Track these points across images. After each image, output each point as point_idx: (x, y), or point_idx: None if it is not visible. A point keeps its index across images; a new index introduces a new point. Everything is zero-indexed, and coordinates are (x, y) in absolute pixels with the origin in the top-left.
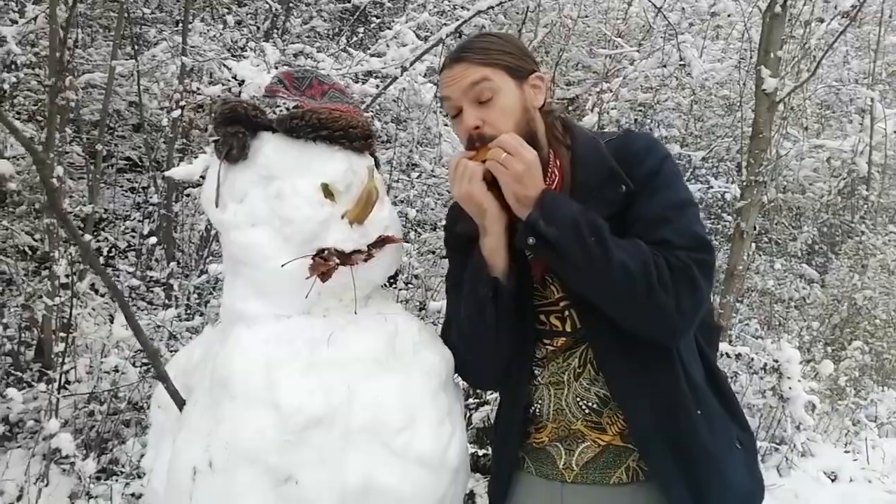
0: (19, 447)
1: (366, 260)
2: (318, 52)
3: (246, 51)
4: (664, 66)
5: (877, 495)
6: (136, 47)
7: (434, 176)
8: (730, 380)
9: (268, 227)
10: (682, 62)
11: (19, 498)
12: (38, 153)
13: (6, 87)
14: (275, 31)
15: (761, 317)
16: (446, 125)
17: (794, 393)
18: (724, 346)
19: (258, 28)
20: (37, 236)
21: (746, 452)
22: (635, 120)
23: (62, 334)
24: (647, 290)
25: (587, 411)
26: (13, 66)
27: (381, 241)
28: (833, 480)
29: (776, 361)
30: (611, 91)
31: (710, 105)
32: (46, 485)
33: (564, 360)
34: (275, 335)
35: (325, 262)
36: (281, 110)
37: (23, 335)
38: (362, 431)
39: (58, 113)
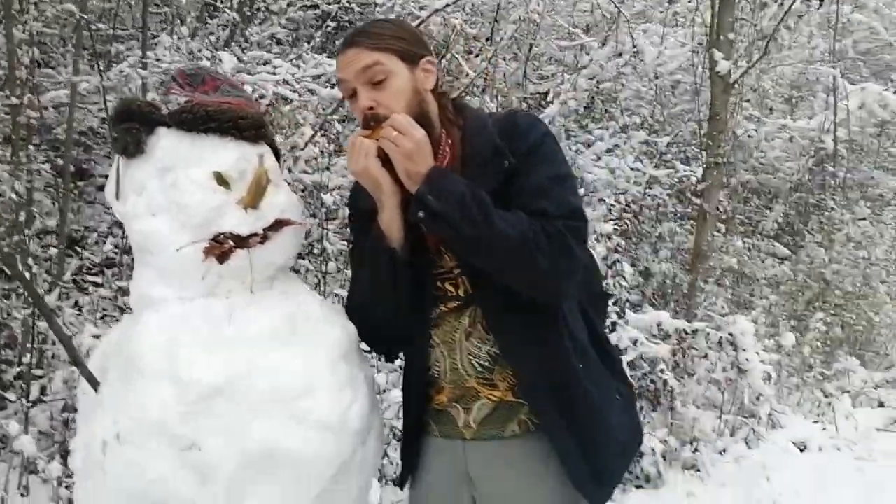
0: (2, 461)
1: (262, 242)
2: (275, 58)
3: (202, 60)
4: (619, 54)
5: (846, 462)
6: (100, 64)
7: None
8: (701, 357)
9: (166, 216)
10: (635, 49)
11: None
12: None
13: None
14: (233, 40)
15: (730, 296)
16: None
17: (750, 365)
18: (681, 323)
19: (217, 38)
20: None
21: (626, 402)
22: (590, 109)
23: (32, 346)
24: (527, 257)
25: (479, 369)
26: None
27: (278, 224)
28: (802, 451)
29: (731, 335)
30: (569, 82)
31: (674, 91)
32: (26, 494)
33: (456, 319)
34: (178, 316)
35: (219, 246)
36: (173, 106)
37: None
38: (263, 401)
39: (24, 131)
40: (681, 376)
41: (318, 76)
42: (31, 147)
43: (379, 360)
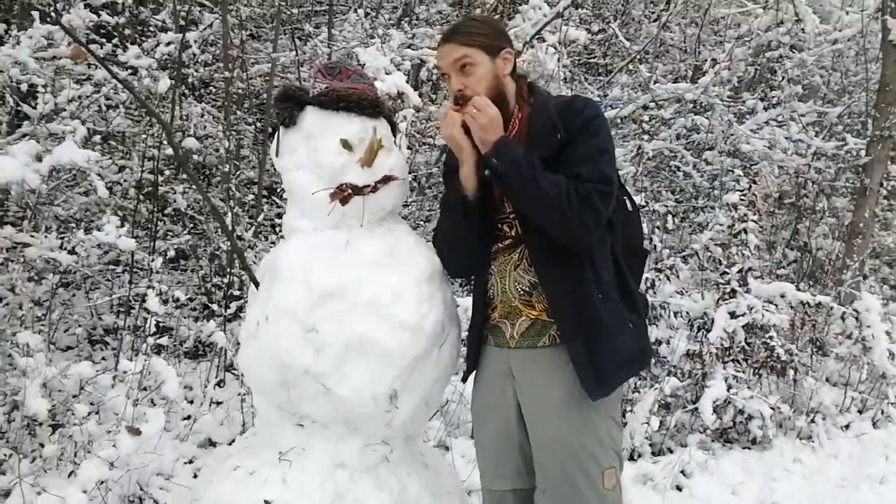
0: (209, 361)
1: (373, 191)
2: (438, 34)
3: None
4: (780, 23)
5: None
6: (296, 41)
7: None
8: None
9: (308, 170)
10: (797, 18)
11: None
12: (161, 119)
13: (195, 81)
14: (405, 18)
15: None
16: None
17: (874, 342)
18: (805, 296)
19: (389, 18)
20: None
21: (637, 331)
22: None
23: (231, 273)
24: (559, 209)
25: (522, 293)
26: (197, 64)
27: (385, 179)
28: None
29: (855, 311)
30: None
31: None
32: (223, 386)
33: (508, 254)
34: (310, 240)
35: (341, 192)
36: (316, 90)
37: (215, 279)
38: (363, 304)
39: (233, 99)
40: (804, 349)
41: None
42: (238, 112)
43: (460, 285)
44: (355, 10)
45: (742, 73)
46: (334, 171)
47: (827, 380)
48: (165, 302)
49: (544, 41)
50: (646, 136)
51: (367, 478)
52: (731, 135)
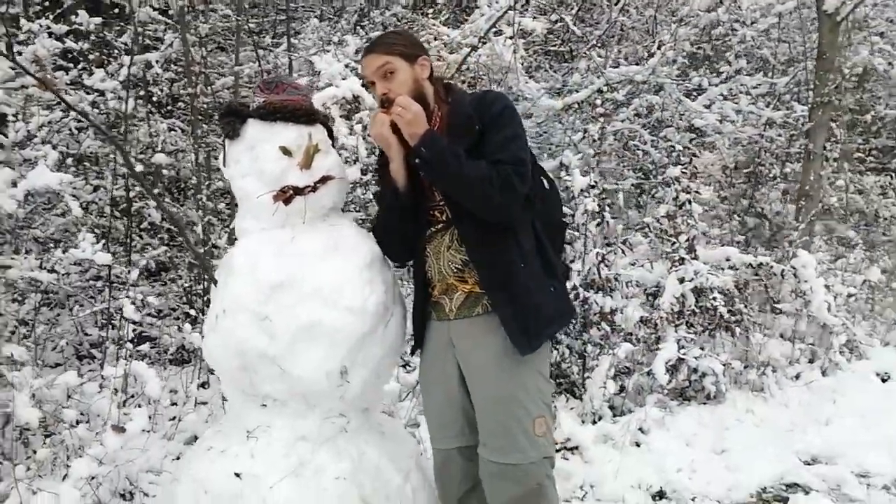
0: (193, 365)
1: (313, 191)
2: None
3: (330, 45)
4: (720, 2)
5: None
6: (257, 52)
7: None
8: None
9: (252, 177)
10: None
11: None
12: (116, 142)
13: (161, 99)
14: (360, 25)
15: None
16: (527, 83)
17: (812, 296)
18: (748, 258)
19: (348, 22)
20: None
21: (557, 293)
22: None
23: (205, 279)
24: (483, 191)
25: (455, 270)
26: (161, 82)
27: (324, 179)
28: (885, 381)
29: (793, 268)
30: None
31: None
32: (207, 387)
33: (441, 236)
34: (258, 239)
35: (284, 194)
36: (255, 104)
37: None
38: (308, 292)
39: (199, 113)
40: (757, 307)
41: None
42: (205, 125)
43: (399, 268)
44: (318, 17)
45: (686, 52)
46: (276, 176)
47: (782, 335)
48: (140, 309)
49: (502, 34)
50: (601, 119)
51: (326, 448)
52: (686, 111)
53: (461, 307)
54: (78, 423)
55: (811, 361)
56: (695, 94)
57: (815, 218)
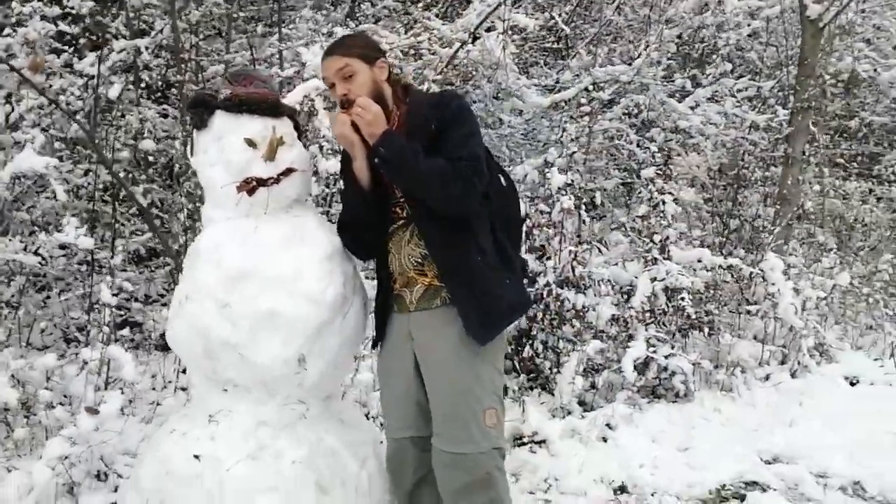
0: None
1: (276, 182)
2: (382, 28)
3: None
4: (705, 5)
5: (892, 393)
6: (249, 41)
7: (511, 127)
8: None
9: (219, 166)
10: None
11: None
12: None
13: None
14: (350, 16)
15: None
16: (518, 79)
17: (780, 298)
18: (719, 259)
19: (339, 12)
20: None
21: (513, 285)
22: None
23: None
24: (441, 186)
25: (415, 264)
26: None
27: (287, 171)
28: (854, 385)
29: (761, 270)
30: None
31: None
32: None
33: (402, 232)
34: (223, 228)
35: (247, 185)
36: (223, 96)
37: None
38: (270, 280)
39: (187, 99)
40: (730, 309)
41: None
42: None
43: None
44: (312, 8)
45: (672, 54)
46: (241, 167)
47: (755, 337)
48: (116, 294)
49: (494, 29)
50: (585, 118)
51: (286, 433)
52: (673, 111)
53: (420, 299)
54: (60, 404)
55: (782, 363)
56: (680, 95)
57: (791, 222)
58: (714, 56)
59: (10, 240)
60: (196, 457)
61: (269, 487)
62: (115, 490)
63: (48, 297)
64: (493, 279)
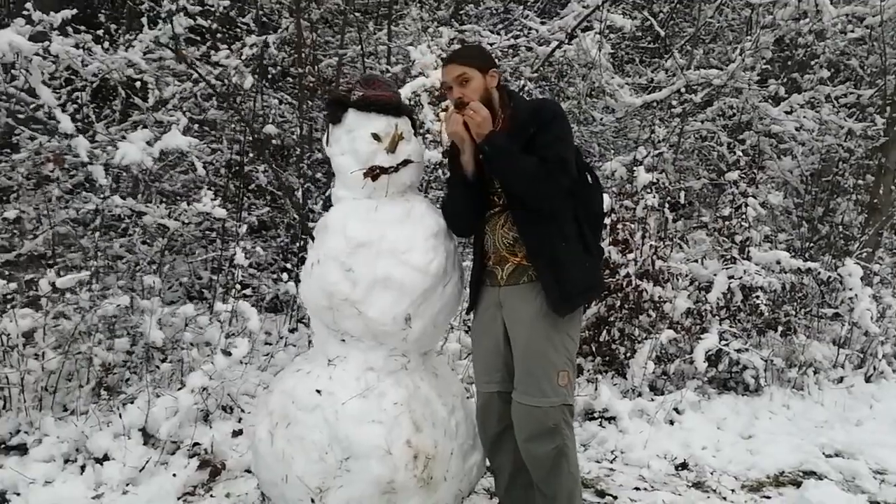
0: (284, 314)
1: (396, 171)
2: (483, 29)
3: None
4: (804, 13)
5: None
6: (360, 36)
7: (603, 124)
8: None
9: (349, 155)
10: (817, 8)
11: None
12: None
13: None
14: (453, 17)
15: None
16: (612, 78)
17: (856, 303)
18: (797, 262)
19: (445, 11)
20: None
21: (591, 270)
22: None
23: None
24: (533, 183)
25: (507, 245)
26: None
27: (405, 162)
28: None
29: (839, 275)
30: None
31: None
32: (296, 332)
33: (498, 217)
34: (349, 206)
35: (372, 171)
36: (355, 97)
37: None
38: (385, 251)
39: (307, 90)
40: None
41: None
42: (311, 101)
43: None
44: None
45: (767, 59)
46: (367, 156)
47: (833, 341)
48: (248, 257)
49: (591, 29)
50: (676, 119)
51: (389, 378)
52: (766, 115)
53: (511, 276)
54: (193, 345)
55: (858, 367)
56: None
57: (880, 231)
58: (813, 62)
59: (156, 207)
60: (318, 391)
61: (374, 420)
62: (240, 420)
63: (174, 260)
64: (574, 263)
